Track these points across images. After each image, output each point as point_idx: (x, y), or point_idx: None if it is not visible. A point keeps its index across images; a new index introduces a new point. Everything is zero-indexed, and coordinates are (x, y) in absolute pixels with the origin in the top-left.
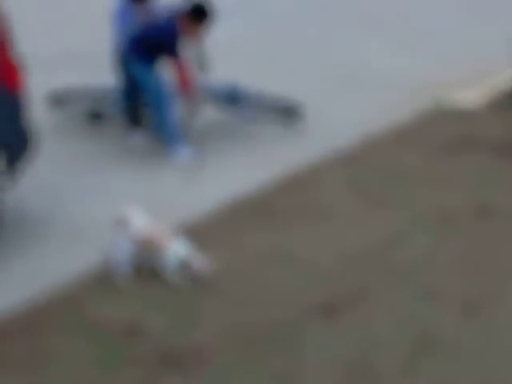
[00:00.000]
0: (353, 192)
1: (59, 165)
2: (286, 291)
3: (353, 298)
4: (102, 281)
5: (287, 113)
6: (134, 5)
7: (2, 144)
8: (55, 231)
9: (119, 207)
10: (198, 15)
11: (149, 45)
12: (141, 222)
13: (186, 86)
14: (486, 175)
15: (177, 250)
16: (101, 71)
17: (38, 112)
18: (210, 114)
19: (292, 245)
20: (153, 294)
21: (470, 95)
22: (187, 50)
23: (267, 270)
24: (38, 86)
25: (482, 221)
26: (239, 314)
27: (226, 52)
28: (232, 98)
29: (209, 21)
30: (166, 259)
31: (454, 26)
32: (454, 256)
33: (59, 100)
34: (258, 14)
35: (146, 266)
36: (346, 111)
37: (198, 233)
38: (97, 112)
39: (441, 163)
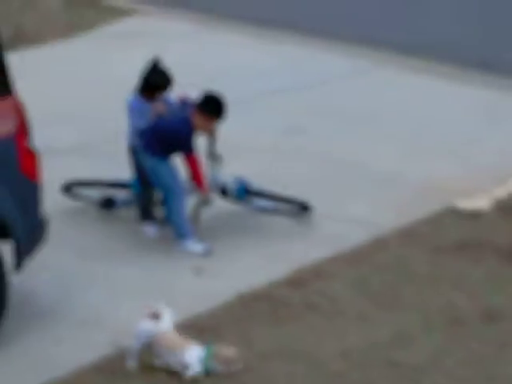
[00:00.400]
0: (359, 290)
1: (69, 251)
2: None
3: None
4: (106, 371)
5: (297, 208)
6: (147, 100)
7: (17, 231)
8: (59, 319)
9: (150, 301)
10: (211, 109)
11: (162, 138)
12: (169, 320)
13: (198, 181)
14: (493, 278)
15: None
16: (115, 163)
17: (51, 199)
18: (221, 207)
19: (299, 341)
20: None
21: (481, 200)
22: (198, 143)
23: (275, 367)
24: (53, 175)
25: (488, 324)
26: None
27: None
28: (243, 191)
29: (221, 115)
30: (190, 355)
31: (471, 129)
32: (460, 359)
33: (73, 189)
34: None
35: (160, 362)
36: (354, 210)
37: (207, 327)
38: (109, 198)
39: (448, 265)
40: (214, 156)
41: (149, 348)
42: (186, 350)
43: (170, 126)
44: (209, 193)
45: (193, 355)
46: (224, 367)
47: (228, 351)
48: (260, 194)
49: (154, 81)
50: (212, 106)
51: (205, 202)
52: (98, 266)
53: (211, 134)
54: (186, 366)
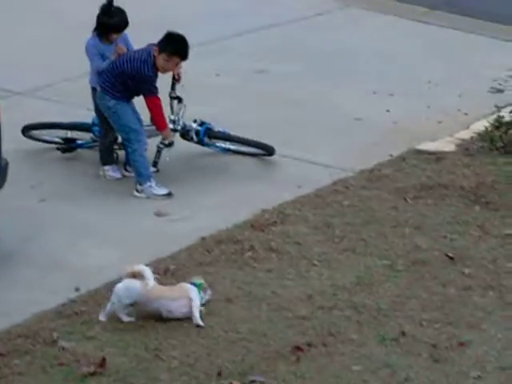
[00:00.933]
0: (323, 233)
1: (29, 193)
2: (257, 332)
3: (322, 339)
4: (68, 316)
5: (260, 151)
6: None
7: None
8: (19, 262)
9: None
10: (173, 48)
11: (122, 79)
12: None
13: (159, 123)
14: (456, 220)
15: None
16: (76, 104)
17: (11, 142)
18: (182, 149)
19: (262, 285)
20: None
21: (444, 142)
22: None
23: (238, 310)
24: (12, 119)
25: (451, 266)
26: (209, 354)
27: (201, 88)
28: (205, 134)
29: (184, 55)
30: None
31: (436, 72)
32: (423, 302)
33: (33, 131)
34: (237, 53)
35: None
36: (318, 154)
37: (170, 270)
38: (70, 139)
39: (412, 207)
40: (176, 98)
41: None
42: (187, 294)
43: (131, 66)
44: (170, 135)
45: (195, 297)
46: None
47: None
48: (222, 137)
49: (109, 22)
50: (174, 45)
51: (166, 145)
52: (59, 208)
53: (174, 76)
54: (191, 309)
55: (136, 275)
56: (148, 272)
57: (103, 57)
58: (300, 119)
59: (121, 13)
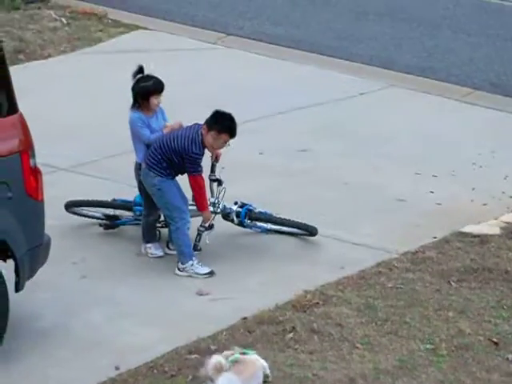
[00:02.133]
0: (365, 316)
1: (70, 270)
2: None
3: None
4: None
5: (303, 231)
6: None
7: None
8: (60, 340)
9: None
10: (222, 126)
11: (169, 156)
12: None
13: (202, 203)
14: (500, 305)
15: None
16: (118, 181)
17: (54, 218)
18: (224, 228)
19: (304, 367)
20: None
21: (488, 225)
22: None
23: None
24: (55, 192)
25: (495, 352)
26: None
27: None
28: (248, 216)
29: (233, 132)
30: None
31: (481, 154)
32: None
33: (75, 208)
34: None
35: None
36: (361, 235)
37: (210, 351)
38: (113, 216)
39: (455, 291)
40: (216, 180)
41: None
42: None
43: (178, 144)
44: (210, 218)
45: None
46: None
47: None
48: (264, 219)
49: (146, 85)
50: (223, 123)
51: (206, 228)
52: (100, 286)
53: (215, 157)
54: None
55: (218, 369)
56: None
57: (150, 128)
58: (343, 199)
59: (154, 77)
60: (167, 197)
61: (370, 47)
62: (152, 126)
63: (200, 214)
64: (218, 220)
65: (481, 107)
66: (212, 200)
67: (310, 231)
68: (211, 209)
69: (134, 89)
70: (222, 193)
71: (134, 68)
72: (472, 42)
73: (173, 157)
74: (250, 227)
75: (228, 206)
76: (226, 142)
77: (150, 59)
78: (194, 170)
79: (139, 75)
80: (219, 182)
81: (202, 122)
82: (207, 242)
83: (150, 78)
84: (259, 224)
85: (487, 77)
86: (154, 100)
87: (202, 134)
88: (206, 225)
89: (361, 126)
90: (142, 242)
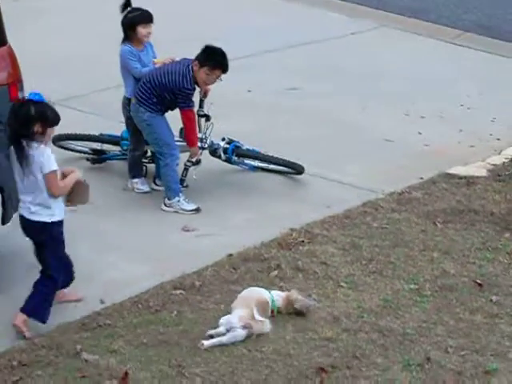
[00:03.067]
0: (350, 255)
1: None
2: (282, 352)
3: (346, 362)
4: (93, 328)
5: (290, 169)
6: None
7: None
8: None
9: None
10: (214, 61)
11: (161, 91)
12: None
13: (191, 138)
14: (485, 246)
15: None
16: (105, 116)
17: None
18: (211, 165)
19: None
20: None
21: (475, 166)
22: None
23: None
24: None
25: (479, 293)
26: (232, 372)
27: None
28: (233, 153)
29: (225, 67)
30: None
31: (469, 96)
32: (449, 328)
33: (62, 142)
34: (272, 71)
35: None
36: (348, 174)
37: (194, 286)
38: (99, 150)
39: (441, 231)
40: (203, 116)
41: None
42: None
43: (169, 80)
44: (198, 153)
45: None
46: None
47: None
48: (251, 156)
49: (133, 16)
50: (216, 58)
51: (194, 163)
52: (86, 220)
53: (204, 93)
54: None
55: None
56: None
57: (140, 62)
58: (331, 138)
59: (141, 8)
60: (157, 132)
61: None
62: (142, 59)
63: (186, 150)
64: (206, 157)
65: (470, 49)
66: (200, 135)
67: (297, 169)
68: (199, 144)
69: (122, 22)
70: (210, 128)
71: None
72: None
73: (163, 92)
74: (237, 164)
75: (215, 142)
76: (218, 77)
77: None
78: (185, 105)
79: (128, 8)
80: (207, 118)
81: (192, 57)
82: (194, 177)
83: (137, 9)
84: (246, 161)
85: (477, 19)
86: (141, 29)
87: (192, 70)
88: (194, 160)
89: (351, 65)
90: (128, 177)
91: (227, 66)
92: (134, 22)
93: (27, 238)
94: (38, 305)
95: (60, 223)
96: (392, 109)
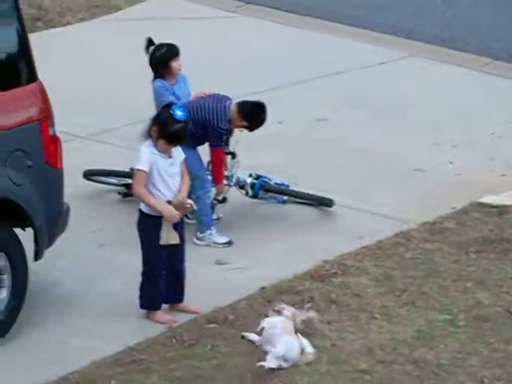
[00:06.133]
0: (383, 286)
1: (88, 239)
2: None
3: None
4: (126, 363)
5: (319, 204)
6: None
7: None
8: (78, 309)
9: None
10: (253, 118)
11: (193, 126)
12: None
13: (218, 176)
14: None
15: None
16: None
17: (72, 186)
18: (241, 199)
19: (322, 337)
20: None
21: (507, 195)
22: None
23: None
24: (74, 163)
25: None
26: None
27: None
28: (263, 188)
29: (255, 127)
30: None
31: (500, 124)
32: (484, 359)
33: (93, 177)
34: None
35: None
36: (379, 205)
37: (228, 320)
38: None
39: (474, 262)
40: (230, 153)
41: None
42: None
43: (204, 116)
44: (224, 191)
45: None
46: None
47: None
48: (278, 191)
49: (160, 52)
50: (256, 117)
51: (220, 201)
52: (119, 254)
53: (230, 131)
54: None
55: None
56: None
57: (175, 96)
58: (361, 169)
59: (166, 43)
60: (189, 165)
61: (390, 16)
62: (176, 93)
63: (214, 186)
64: (234, 190)
65: (499, 77)
66: (226, 173)
67: (326, 203)
68: (225, 182)
69: (151, 61)
70: (236, 166)
71: (144, 42)
72: (491, 11)
73: (196, 128)
74: (265, 199)
75: (242, 179)
76: (242, 127)
77: (168, 27)
78: (216, 144)
79: (151, 47)
80: (233, 155)
81: (221, 89)
82: (220, 215)
83: (163, 45)
84: (274, 196)
85: (506, 46)
86: (174, 64)
87: (229, 110)
88: (220, 198)
89: (380, 95)
90: None
91: (257, 127)
92: (167, 58)
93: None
94: None
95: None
96: (422, 138)
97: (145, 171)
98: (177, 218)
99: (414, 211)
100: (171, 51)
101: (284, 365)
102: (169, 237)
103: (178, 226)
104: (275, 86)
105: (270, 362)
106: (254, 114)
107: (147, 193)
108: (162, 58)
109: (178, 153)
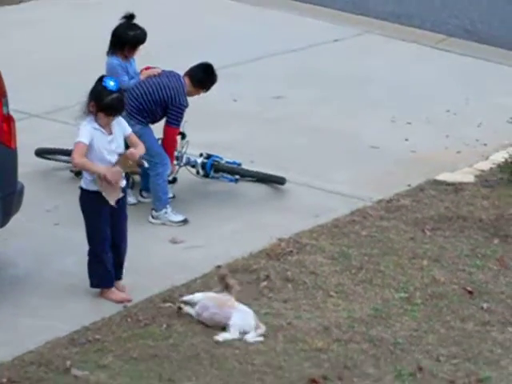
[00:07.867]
0: (339, 264)
1: (42, 217)
2: (273, 364)
3: (338, 373)
4: (82, 343)
5: (271, 182)
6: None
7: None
8: (34, 288)
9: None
10: (205, 81)
11: (152, 104)
12: None
13: (169, 155)
14: (474, 253)
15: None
16: None
17: (26, 165)
18: (194, 176)
19: (278, 315)
20: None
21: (462, 172)
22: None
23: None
24: (28, 141)
25: (469, 301)
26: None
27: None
28: (214, 168)
29: (209, 88)
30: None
31: (455, 101)
32: (440, 337)
33: (45, 155)
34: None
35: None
36: (335, 183)
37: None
38: None
39: (430, 239)
40: (180, 133)
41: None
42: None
43: (164, 94)
44: (174, 171)
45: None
46: None
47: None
48: (230, 170)
49: (129, 35)
50: (207, 78)
51: (170, 181)
52: (73, 233)
53: None
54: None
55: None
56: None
57: (128, 75)
58: (317, 146)
59: (139, 26)
60: (149, 143)
61: None
62: (130, 71)
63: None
64: (185, 169)
65: (455, 54)
66: (176, 153)
67: (279, 182)
68: (175, 162)
69: (120, 36)
70: (186, 146)
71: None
72: None
73: (156, 106)
74: (216, 178)
75: (192, 159)
76: (199, 94)
77: (123, 4)
78: (176, 122)
79: (124, 20)
80: (183, 136)
81: (177, 66)
82: (171, 195)
83: (137, 26)
84: (226, 175)
85: (461, 23)
86: (131, 51)
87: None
88: (170, 178)
89: (335, 72)
90: None
91: (211, 87)
92: (138, 41)
93: None
94: None
95: None
96: (377, 115)
97: (85, 143)
98: (119, 174)
99: (369, 189)
100: (144, 36)
101: (241, 336)
102: (112, 195)
103: (120, 201)
104: (231, 64)
105: (228, 335)
106: (206, 79)
107: (87, 160)
108: (135, 40)
109: (121, 128)
